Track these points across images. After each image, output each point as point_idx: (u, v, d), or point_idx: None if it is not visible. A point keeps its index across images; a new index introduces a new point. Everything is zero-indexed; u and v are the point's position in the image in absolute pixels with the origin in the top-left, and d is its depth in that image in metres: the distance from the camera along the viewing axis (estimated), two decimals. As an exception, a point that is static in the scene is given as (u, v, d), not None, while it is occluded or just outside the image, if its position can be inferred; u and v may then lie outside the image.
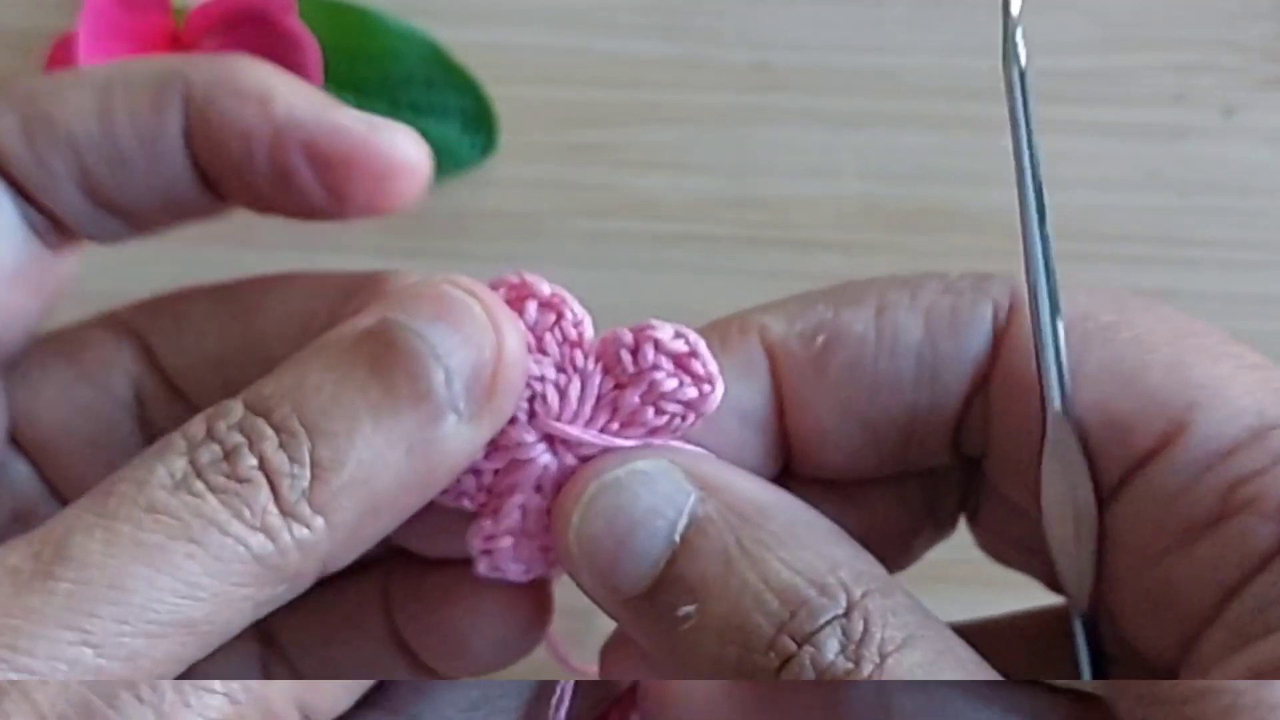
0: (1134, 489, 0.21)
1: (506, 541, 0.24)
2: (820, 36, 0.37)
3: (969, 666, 0.21)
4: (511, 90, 0.37)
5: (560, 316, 0.24)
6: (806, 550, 0.21)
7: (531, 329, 0.24)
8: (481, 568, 0.25)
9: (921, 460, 0.24)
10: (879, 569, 0.22)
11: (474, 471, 0.24)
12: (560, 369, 0.24)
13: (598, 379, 0.24)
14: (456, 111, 0.36)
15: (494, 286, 0.24)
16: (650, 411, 0.24)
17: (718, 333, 0.23)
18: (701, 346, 0.23)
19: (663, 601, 0.22)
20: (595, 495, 0.22)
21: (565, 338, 0.24)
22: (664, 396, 0.24)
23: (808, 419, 0.23)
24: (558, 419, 0.24)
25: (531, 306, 0.24)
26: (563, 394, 0.24)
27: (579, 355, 0.24)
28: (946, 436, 0.23)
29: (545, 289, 0.24)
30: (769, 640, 0.21)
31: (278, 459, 0.20)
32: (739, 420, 0.23)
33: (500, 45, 0.37)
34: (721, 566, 0.21)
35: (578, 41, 0.37)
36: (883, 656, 0.20)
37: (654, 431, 0.24)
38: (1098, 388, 0.21)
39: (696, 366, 0.23)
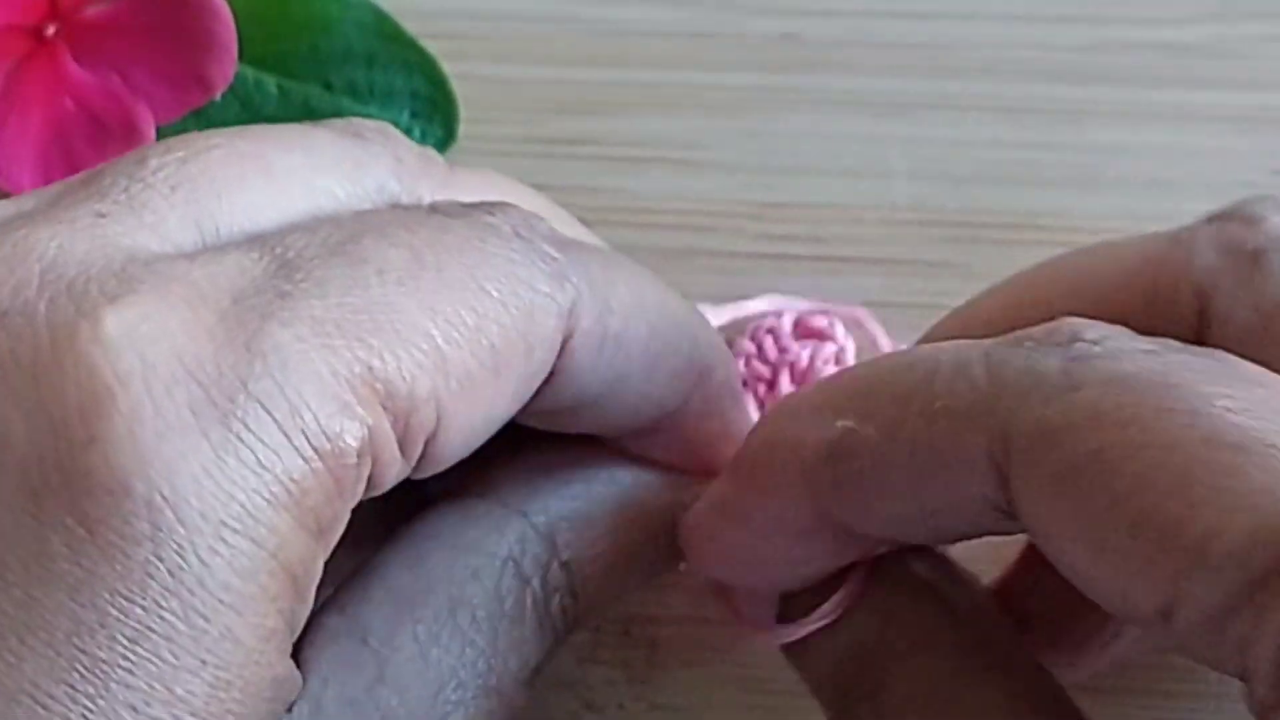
0: None
1: None
2: (862, 1, 0.35)
3: None
4: (475, 68, 0.34)
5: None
6: None
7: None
8: None
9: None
10: None
11: None
12: None
13: None
14: (405, 94, 0.34)
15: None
16: None
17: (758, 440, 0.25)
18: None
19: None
20: None
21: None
22: None
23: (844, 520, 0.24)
24: None
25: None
26: None
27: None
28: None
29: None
30: None
31: None
32: (787, 535, 0.24)
33: (461, 12, 0.35)
34: None
35: (559, 8, 0.35)
36: None
37: None
38: (1101, 540, 0.21)
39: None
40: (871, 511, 0.23)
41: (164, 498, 0.19)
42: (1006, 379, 0.21)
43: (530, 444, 0.26)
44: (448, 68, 0.34)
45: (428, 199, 0.24)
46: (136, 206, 0.21)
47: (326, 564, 0.23)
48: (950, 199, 0.33)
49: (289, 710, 0.22)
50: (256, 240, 0.21)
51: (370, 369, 0.20)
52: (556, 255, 0.23)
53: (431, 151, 0.25)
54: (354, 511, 0.21)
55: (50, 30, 0.31)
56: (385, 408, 0.20)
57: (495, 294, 0.21)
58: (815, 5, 0.34)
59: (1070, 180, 0.33)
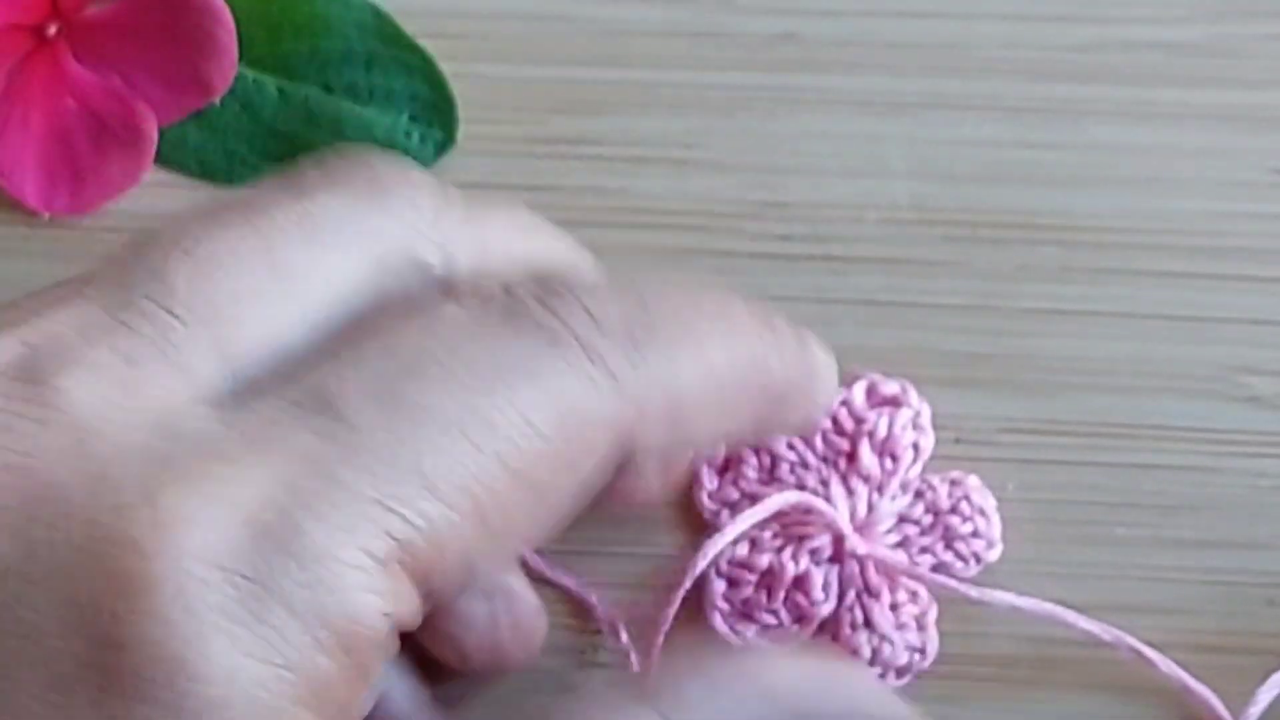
0: None
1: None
2: (862, 1, 0.34)
3: None
4: (474, 69, 0.34)
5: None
6: None
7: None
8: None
9: None
10: None
11: None
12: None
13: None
14: (405, 97, 0.33)
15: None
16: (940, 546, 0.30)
17: None
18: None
19: None
20: None
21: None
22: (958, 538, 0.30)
23: None
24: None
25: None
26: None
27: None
28: None
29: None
30: None
31: None
32: None
33: (460, 12, 0.34)
34: None
35: (557, 8, 0.34)
36: None
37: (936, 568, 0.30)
38: None
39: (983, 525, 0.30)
40: None
41: (190, 703, 0.18)
42: None
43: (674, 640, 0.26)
44: (448, 68, 0.33)
45: (450, 255, 0.23)
46: (162, 344, 0.20)
47: None
48: (950, 199, 0.33)
49: None
50: (289, 382, 0.21)
51: (401, 543, 0.20)
52: (617, 369, 0.21)
53: (449, 190, 0.24)
54: None
55: (52, 30, 0.31)
56: (415, 578, 0.20)
57: (545, 431, 0.21)
58: (815, 5, 0.34)
59: (1070, 180, 0.32)
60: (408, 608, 0.20)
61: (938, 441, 0.31)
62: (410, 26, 0.33)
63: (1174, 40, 0.33)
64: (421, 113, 0.33)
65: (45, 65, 0.31)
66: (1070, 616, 0.29)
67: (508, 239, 0.24)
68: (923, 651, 0.30)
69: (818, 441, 0.31)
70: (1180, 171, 0.32)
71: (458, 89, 0.33)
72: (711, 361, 0.23)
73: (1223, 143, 0.33)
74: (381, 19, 0.33)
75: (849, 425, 0.31)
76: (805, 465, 0.30)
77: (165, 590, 0.18)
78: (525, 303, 0.22)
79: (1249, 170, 0.33)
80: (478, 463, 0.20)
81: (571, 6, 0.34)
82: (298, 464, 0.20)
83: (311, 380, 0.21)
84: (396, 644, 0.21)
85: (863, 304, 0.32)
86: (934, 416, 0.31)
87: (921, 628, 0.30)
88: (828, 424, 0.31)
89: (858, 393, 0.31)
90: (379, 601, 0.20)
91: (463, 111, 0.33)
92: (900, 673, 0.30)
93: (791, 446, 0.31)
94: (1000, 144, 0.33)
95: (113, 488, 0.19)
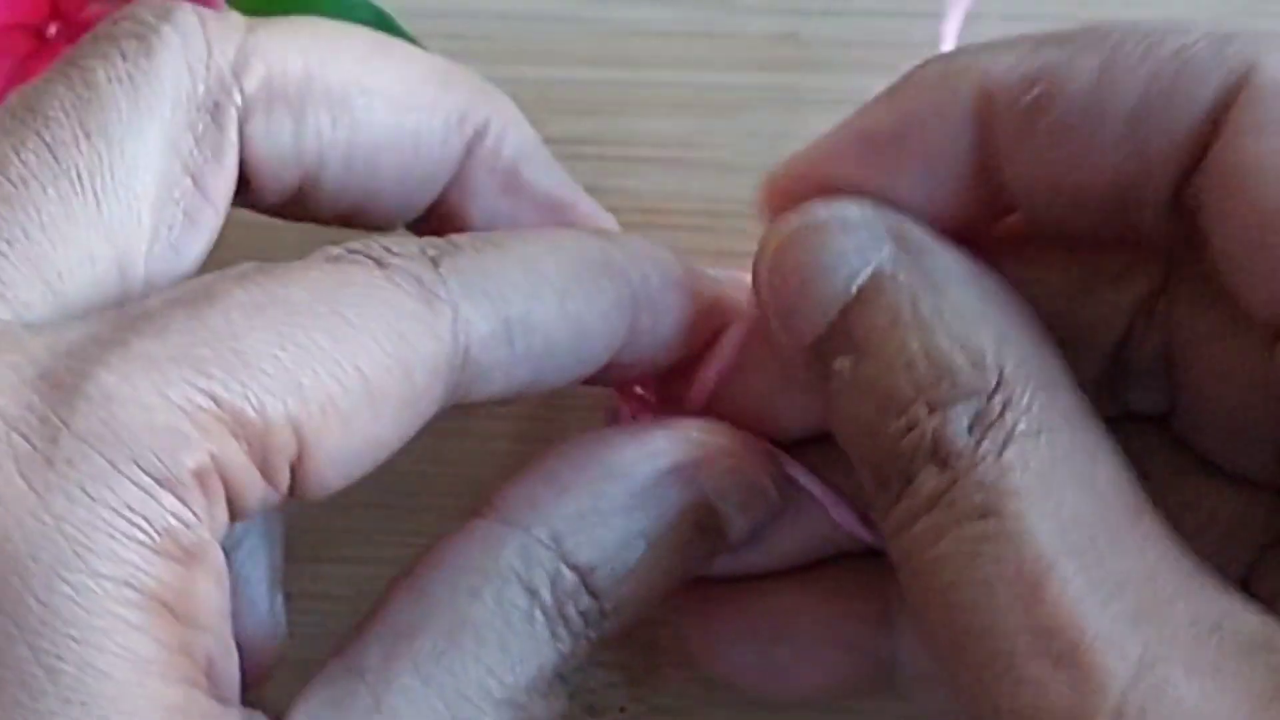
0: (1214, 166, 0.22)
1: None
2: (862, 1, 0.34)
3: (1101, 486, 0.22)
4: (475, 68, 0.32)
5: None
6: (978, 323, 0.23)
7: None
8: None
9: (1132, 232, 0.24)
10: (1055, 361, 0.23)
11: None
12: None
13: None
14: None
15: None
16: None
17: (930, 69, 0.25)
18: None
19: (825, 351, 0.24)
20: (793, 233, 0.24)
21: None
22: None
23: (1009, 173, 0.24)
24: None
25: None
26: None
27: None
28: (1158, 218, 0.23)
29: None
30: (905, 404, 0.22)
31: None
32: (927, 166, 0.24)
33: (460, 12, 0.34)
34: (887, 325, 0.23)
35: (559, 8, 0.34)
36: (1005, 444, 0.21)
37: None
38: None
39: None
40: (1054, 164, 0.23)
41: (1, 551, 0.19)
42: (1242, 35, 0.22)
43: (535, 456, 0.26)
44: (449, 70, 0.33)
45: (231, 89, 0.24)
46: None
47: None
48: (951, 198, 0.33)
49: None
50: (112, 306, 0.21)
51: (212, 396, 0.20)
52: (422, 274, 0.22)
53: (224, 20, 0.24)
54: None
55: (52, 30, 0.31)
56: (235, 434, 0.20)
57: (355, 320, 0.21)
58: (815, 5, 0.34)
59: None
60: (242, 475, 0.20)
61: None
62: (412, 27, 0.33)
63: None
64: (422, 113, 0.32)
65: (46, 65, 0.31)
66: None
67: (289, 59, 0.24)
68: None
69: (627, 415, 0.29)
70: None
71: (460, 90, 0.32)
72: (540, 264, 0.24)
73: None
74: (382, 19, 0.32)
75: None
76: None
77: None
78: (327, 249, 0.22)
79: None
80: (281, 337, 0.21)
81: (572, 7, 0.34)
82: (91, 342, 0.20)
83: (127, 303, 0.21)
84: (242, 511, 0.21)
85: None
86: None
87: None
88: (626, 413, 0.29)
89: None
90: (189, 450, 0.20)
91: (465, 112, 0.32)
92: None
93: None
94: (1001, 144, 0.33)
95: None
